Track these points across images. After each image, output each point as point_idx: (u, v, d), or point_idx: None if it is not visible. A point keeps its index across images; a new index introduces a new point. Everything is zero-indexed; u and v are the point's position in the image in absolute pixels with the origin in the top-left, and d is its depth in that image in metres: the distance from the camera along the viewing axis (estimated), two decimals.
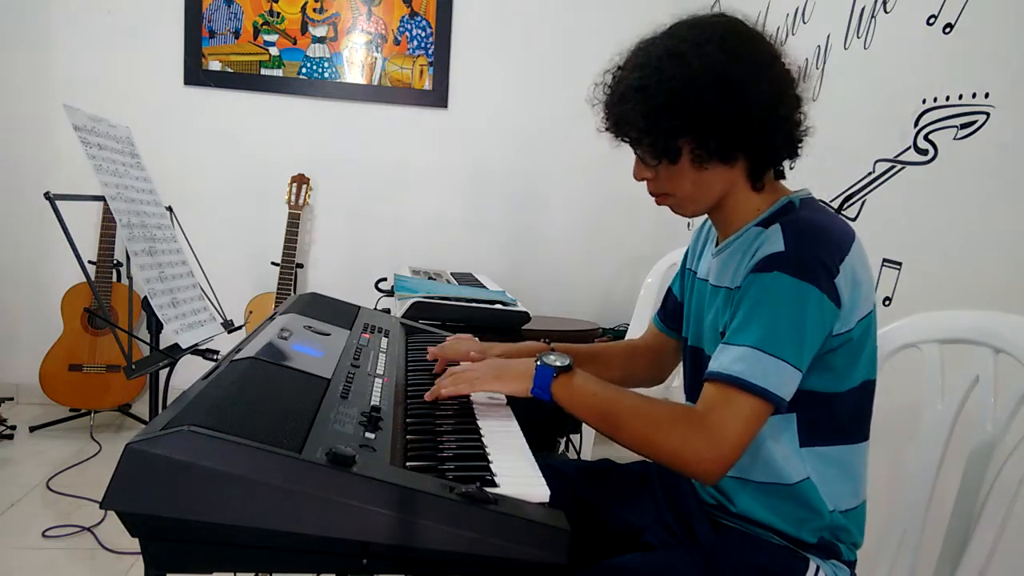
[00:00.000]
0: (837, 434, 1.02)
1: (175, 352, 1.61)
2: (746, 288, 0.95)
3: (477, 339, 1.33)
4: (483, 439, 0.96)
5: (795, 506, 1.01)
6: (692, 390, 1.18)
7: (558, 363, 1.02)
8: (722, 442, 0.90)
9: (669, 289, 1.32)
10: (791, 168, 1.10)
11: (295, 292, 3.15)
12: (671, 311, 1.30)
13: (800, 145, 1.03)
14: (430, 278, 2.63)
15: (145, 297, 1.56)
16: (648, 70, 0.97)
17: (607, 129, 1.06)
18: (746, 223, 1.05)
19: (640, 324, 2.73)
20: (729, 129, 0.96)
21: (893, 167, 1.79)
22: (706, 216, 1.24)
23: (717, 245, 1.12)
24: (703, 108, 0.95)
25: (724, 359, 0.93)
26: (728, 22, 1.00)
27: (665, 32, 1.02)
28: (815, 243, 0.94)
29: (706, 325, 1.11)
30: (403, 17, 3.29)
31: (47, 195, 1.47)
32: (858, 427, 1.04)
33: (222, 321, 1.80)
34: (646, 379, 1.35)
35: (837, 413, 1.00)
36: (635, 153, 1.06)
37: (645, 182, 1.08)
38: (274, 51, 3.24)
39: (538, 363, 1.03)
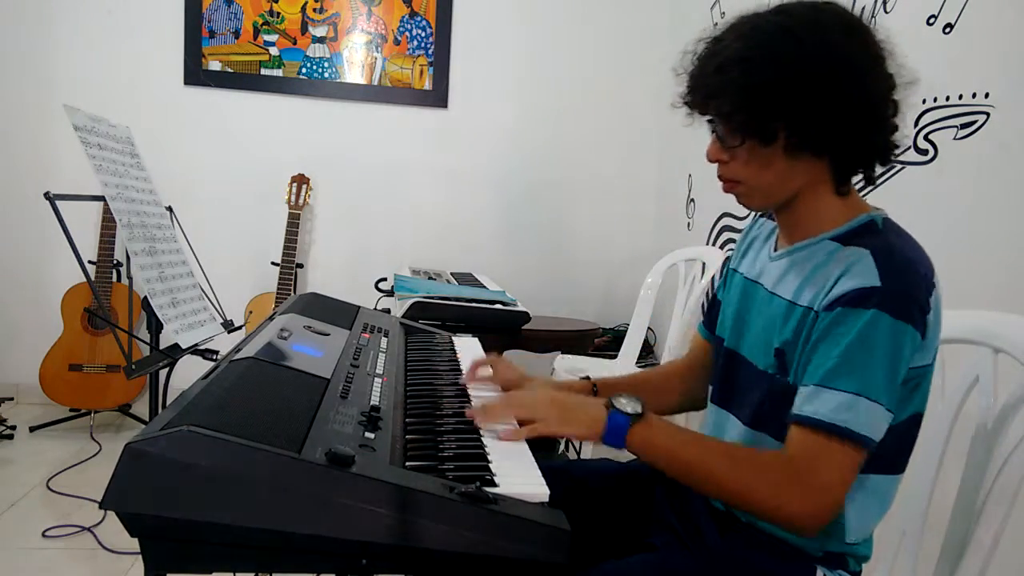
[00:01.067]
0: (881, 464, 0.98)
1: (175, 352, 1.61)
2: (837, 322, 0.89)
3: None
4: (483, 439, 0.96)
5: None
6: (724, 396, 1.12)
7: (630, 409, 0.95)
8: (826, 494, 0.87)
9: (713, 296, 1.24)
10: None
11: (295, 292, 3.15)
12: (716, 320, 1.21)
13: (896, 150, 0.97)
14: (430, 278, 2.64)
15: (145, 297, 1.57)
16: (754, 42, 0.91)
17: (688, 102, 0.97)
18: (819, 232, 0.99)
19: (640, 324, 2.73)
20: (833, 119, 0.90)
21: (893, 167, 1.78)
22: (757, 217, 1.19)
23: (776, 249, 1.06)
24: (811, 92, 0.89)
25: (823, 405, 0.87)
26: (842, 10, 0.94)
27: (773, 10, 0.94)
28: (911, 279, 0.89)
29: (752, 331, 1.06)
30: (403, 17, 3.29)
31: (47, 195, 1.47)
32: (901, 458, 1.01)
33: (222, 321, 1.80)
34: (703, 397, 1.23)
35: (886, 444, 0.94)
36: (713, 132, 0.98)
37: (717, 165, 1.00)
38: (274, 51, 3.24)
39: (610, 409, 0.96)
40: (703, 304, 1.28)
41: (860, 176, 1.00)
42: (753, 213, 1.18)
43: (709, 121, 0.99)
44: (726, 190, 1.02)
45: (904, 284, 0.88)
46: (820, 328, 0.91)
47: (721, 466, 0.92)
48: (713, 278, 1.23)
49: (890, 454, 0.98)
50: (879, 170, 1.00)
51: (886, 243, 0.93)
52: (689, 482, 0.95)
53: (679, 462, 0.94)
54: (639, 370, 1.35)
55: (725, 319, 1.13)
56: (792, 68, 0.89)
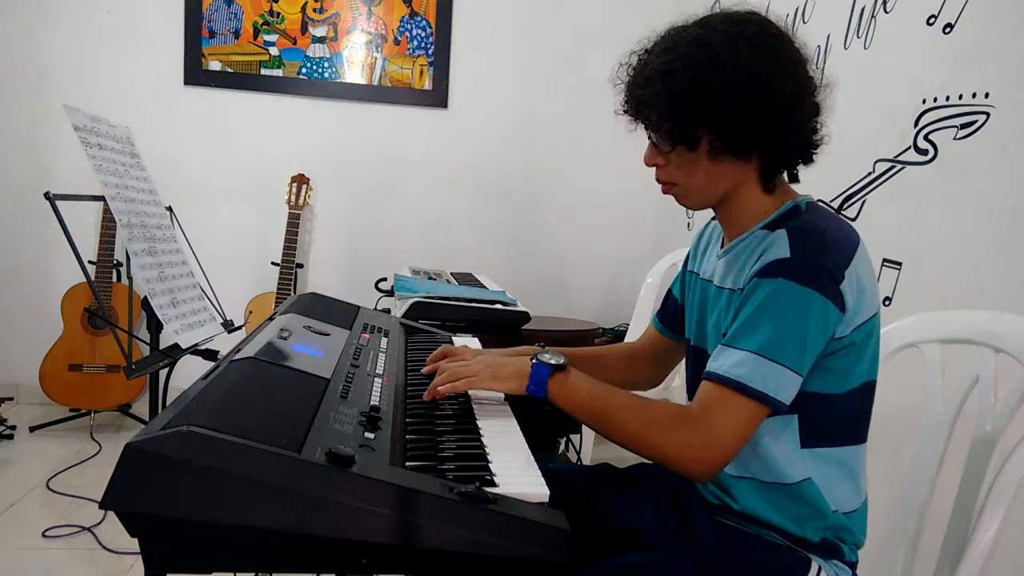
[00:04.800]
0: (836, 435, 1.02)
1: (175, 352, 1.61)
2: (750, 292, 0.96)
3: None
4: (483, 439, 0.96)
5: (798, 504, 1.02)
6: (694, 389, 1.17)
7: (553, 361, 1.03)
8: (717, 443, 0.92)
9: (669, 291, 1.32)
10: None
11: (295, 292, 3.15)
12: (670, 313, 1.30)
13: (815, 152, 1.04)
14: (430, 278, 2.63)
15: (145, 297, 1.57)
16: (676, 55, 0.97)
17: (626, 111, 1.05)
18: (753, 225, 1.05)
19: (640, 324, 2.73)
20: (748, 125, 0.97)
21: (893, 167, 1.79)
22: (708, 221, 1.24)
23: (723, 247, 1.12)
24: (726, 100, 0.95)
25: (725, 361, 0.94)
26: (761, 20, 1.01)
27: (697, 22, 1.02)
28: (821, 249, 0.94)
29: (709, 326, 1.11)
30: (403, 17, 3.29)
31: (47, 195, 1.47)
32: (857, 428, 1.04)
33: (222, 321, 1.80)
34: (646, 381, 1.36)
35: (836, 414, 1.01)
36: (649, 138, 1.06)
37: (654, 168, 1.08)
38: (274, 51, 3.24)
39: (533, 361, 1.03)
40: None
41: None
42: (710, 217, 1.23)
43: (645, 127, 1.05)
44: (664, 191, 1.09)
45: (813, 255, 0.94)
46: (740, 300, 0.98)
47: (625, 414, 0.98)
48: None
49: (846, 423, 1.03)
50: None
51: (803, 221, 0.99)
52: (600, 429, 1.00)
53: (590, 410, 1.00)
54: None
55: (690, 320, 1.19)
56: (707, 79, 0.95)
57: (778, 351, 0.91)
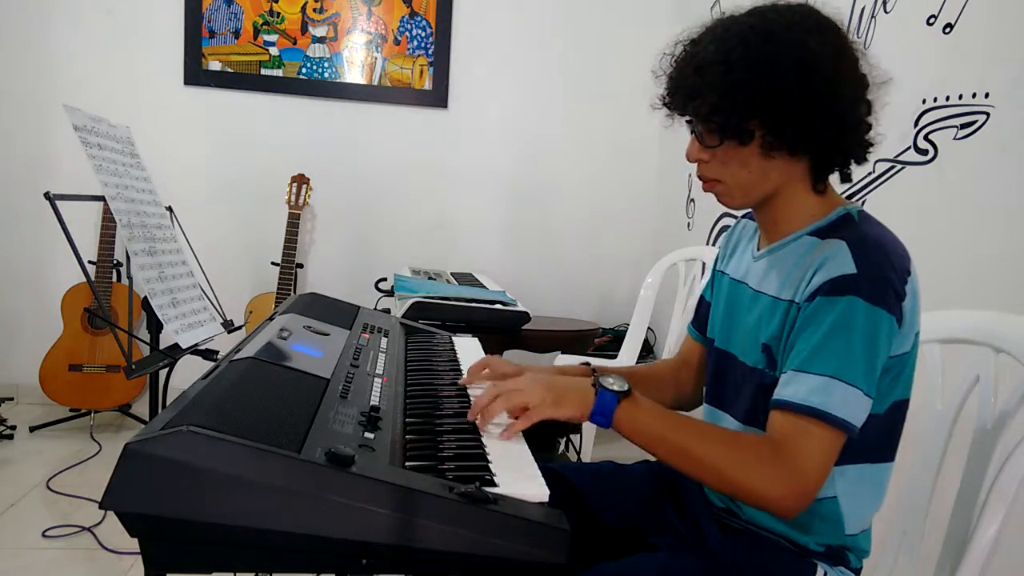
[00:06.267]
0: (869, 453, 0.99)
1: (175, 352, 1.61)
2: (817, 311, 0.90)
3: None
4: (483, 439, 0.96)
5: (812, 520, 0.99)
6: (717, 395, 1.13)
7: (616, 388, 0.95)
8: (805, 476, 0.87)
9: (701, 297, 1.26)
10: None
11: (295, 292, 3.15)
12: (703, 320, 1.23)
13: (871, 149, 0.98)
14: (430, 278, 2.64)
15: (145, 297, 1.57)
16: (731, 44, 0.92)
17: (668, 104, 0.99)
18: (798, 228, 1.01)
19: (640, 324, 2.73)
20: (808, 118, 0.91)
21: (893, 167, 1.78)
22: (738, 220, 1.21)
23: (759, 248, 1.08)
24: (786, 92, 0.90)
25: (800, 389, 0.89)
26: (814, 11, 0.96)
27: (747, 12, 0.96)
28: (885, 266, 0.90)
29: (740, 330, 1.07)
30: (403, 17, 3.29)
31: (47, 195, 1.47)
32: (889, 446, 1.01)
33: (222, 321, 1.80)
34: (695, 396, 1.27)
35: (872, 432, 0.96)
36: (692, 132, 1.00)
37: (696, 164, 1.02)
38: (274, 51, 3.24)
39: (597, 388, 0.95)
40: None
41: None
42: (738, 215, 1.20)
43: (688, 122, 1.01)
44: (706, 189, 1.04)
45: (879, 271, 0.90)
46: (801, 319, 0.93)
47: (703, 447, 0.92)
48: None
49: (877, 442, 0.99)
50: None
51: (861, 233, 0.94)
52: (672, 462, 0.94)
53: (663, 441, 0.94)
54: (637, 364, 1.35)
55: (715, 321, 1.15)
56: (767, 70, 0.91)
57: (851, 374, 0.87)
